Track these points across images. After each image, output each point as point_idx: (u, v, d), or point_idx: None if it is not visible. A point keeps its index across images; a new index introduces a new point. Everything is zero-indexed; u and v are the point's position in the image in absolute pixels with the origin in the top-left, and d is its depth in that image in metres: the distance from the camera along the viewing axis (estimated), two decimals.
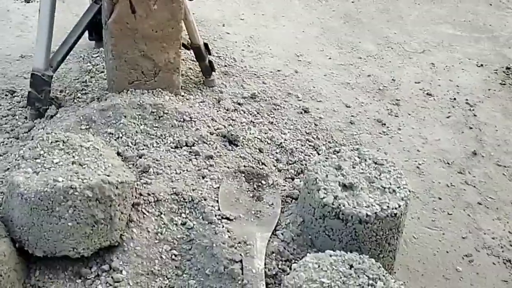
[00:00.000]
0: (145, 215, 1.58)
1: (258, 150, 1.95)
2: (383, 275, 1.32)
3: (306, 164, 1.90)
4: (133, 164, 1.75)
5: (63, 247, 1.39)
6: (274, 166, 1.91)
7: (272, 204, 1.70)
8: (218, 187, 1.72)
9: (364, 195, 1.51)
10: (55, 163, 1.46)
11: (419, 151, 2.18)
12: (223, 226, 1.56)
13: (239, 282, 1.41)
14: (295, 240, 1.56)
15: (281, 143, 2.01)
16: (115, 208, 1.45)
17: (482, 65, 2.80)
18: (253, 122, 2.11)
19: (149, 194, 1.63)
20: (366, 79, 2.60)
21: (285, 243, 1.56)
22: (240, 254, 1.47)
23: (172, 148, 1.85)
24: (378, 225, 1.48)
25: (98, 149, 1.56)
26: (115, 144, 1.81)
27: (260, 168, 1.85)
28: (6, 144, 1.88)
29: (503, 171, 2.12)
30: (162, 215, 1.59)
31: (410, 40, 2.97)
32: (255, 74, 2.49)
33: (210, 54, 2.32)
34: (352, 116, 2.32)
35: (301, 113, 2.25)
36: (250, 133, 2.02)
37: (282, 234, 1.59)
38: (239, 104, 2.21)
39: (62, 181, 1.38)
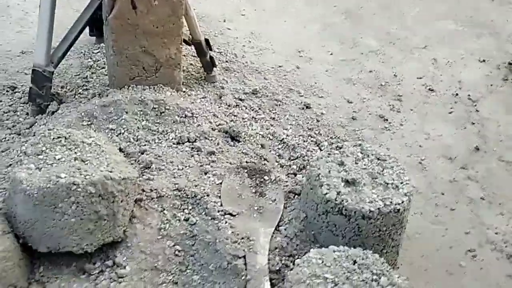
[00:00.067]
0: (148, 211, 1.58)
1: (260, 146, 1.95)
2: (387, 271, 1.32)
3: (308, 160, 1.90)
4: (135, 160, 1.75)
5: (66, 243, 1.39)
6: (276, 161, 1.90)
7: (275, 200, 1.70)
8: (221, 183, 1.72)
9: (367, 191, 1.51)
10: (57, 159, 1.46)
11: (422, 146, 2.17)
12: (226, 222, 1.55)
13: (243, 277, 1.41)
14: (298, 236, 1.56)
15: (283, 139, 2.01)
16: (118, 204, 1.45)
17: (484, 60, 2.78)
18: (255, 118, 2.11)
19: (151, 190, 1.63)
20: (368, 74, 2.59)
21: (288, 239, 1.56)
22: (244, 250, 1.47)
23: (174, 144, 1.85)
24: (381, 220, 1.47)
25: (100, 145, 1.55)
26: (117, 140, 1.81)
27: (263, 164, 1.85)
28: (8, 140, 1.88)
29: (506, 166, 2.11)
30: (165, 211, 1.59)
31: (412, 36, 2.96)
32: (256, 70, 2.48)
33: (211, 49, 2.31)
34: (354, 111, 2.31)
35: (303, 108, 2.25)
36: (252, 129, 2.02)
37: (285, 229, 1.59)
38: (240, 100, 2.20)
39: (65, 177, 1.37)
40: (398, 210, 1.48)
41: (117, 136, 1.82)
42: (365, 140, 2.13)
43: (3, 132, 1.91)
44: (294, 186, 1.76)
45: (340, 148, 1.66)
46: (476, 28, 3.09)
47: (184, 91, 2.13)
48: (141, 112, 1.90)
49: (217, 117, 2.03)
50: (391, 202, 1.48)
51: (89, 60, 2.32)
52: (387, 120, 2.29)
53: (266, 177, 1.78)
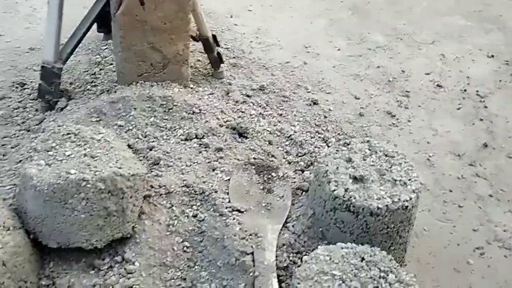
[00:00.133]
0: (156, 207, 1.59)
1: (267, 142, 1.95)
2: (395, 268, 1.32)
3: (315, 156, 1.90)
4: (143, 157, 1.76)
5: (76, 239, 1.41)
6: (284, 158, 1.91)
7: (283, 196, 1.70)
8: (229, 180, 1.73)
9: (375, 188, 1.51)
10: (67, 155, 1.47)
11: (429, 143, 2.17)
12: (234, 218, 1.56)
13: (251, 274, 1.41)
14: (305, 233, 1.57)
15: (290, 135, 2.01)
16: (127, 200, 1.46)
17: (492, 56, 2.77)
18: (262, 114, 2.11)
19: (160, 186, 1.64)
20: (376, 70, 2.59)
21: (296, 235, 1.56)
22: (251, 246, 1.47)
23: (182, 140, 1.86)
24: (389, 217, 1.47)
25: (109, 141, 1.56)
26: (125, 136, 1.82)
27: (270, 161, 1.85)
28: (18, 136, 1.89)
29: None
30: (174, 207, 1.60)
31: (420, 31, 2.95)
32: (263, 66, 2.48)
33: (218, 45, 2.31)
34: (361, 108, 2.31)
35: (310, 105, 2.25)
36: (260, 125, 2.02)
37: (293, 226, 1.59)
38: (248, 96, 2.20)
39: (75, 173, 1.38)
40: (406, 207, 1.48)
41: (125, 132, 1.83)
42: (373, 136, 2.13)
43: (13, 129, 1.93)
44: (301, 183, 1.77)
45: (348, 144, 1.66)
46: (485, 23, 3.07)
47: (191, 87, 2.13)
48: (149, 109, 1.91)
49: (225, 113, 2.04)
50: (399, 199, 1.48)
51: (97, 56, 2.33)
52: (394, 116, 2.28)
53: (273, 174, 1.79)
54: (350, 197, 1.47)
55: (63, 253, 1.44)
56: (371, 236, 1.49)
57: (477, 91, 2.49)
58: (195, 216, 1.59)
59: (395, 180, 1.54)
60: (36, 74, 2.10)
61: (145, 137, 1.83)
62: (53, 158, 1.45)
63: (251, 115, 2.08)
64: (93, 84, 2.14)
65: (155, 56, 2.01)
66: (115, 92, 1.98)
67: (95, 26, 2.24)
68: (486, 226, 1.82)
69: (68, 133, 1.55)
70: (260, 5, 3.08)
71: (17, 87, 2.15)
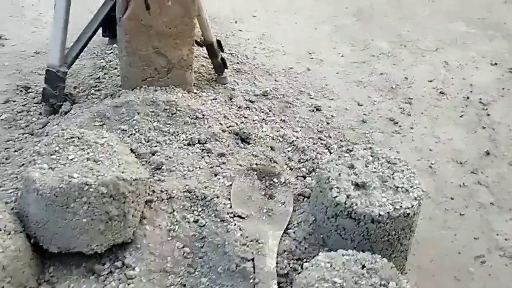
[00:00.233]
0: (158, 212, 1.59)
1: (270, 148, 1.95)
2: (395, 275, 1.32)
3: (318, 163, 1.90)
4: (146, 161, 1.76)
5: (77, 243, 1.41)
6: (286, 164, 1.91)
7: (284, 202, 1.70)
8: (230, 185, 1.73)
9: (376, 195, 1.51)
10: (70, 159, 1.48)
11: (432, 150, 2.16)
12: (235, 224, 1.56)
13: (251, 280, 1.41)
14: (307, 239, 1.57)
15: (293, 141, 2.01)
16: (129, 205, 1.46)
17: (496, 63, 2.77)
18: (265, 120, 2.11)
19: (162, 191, 1.64)
20: (379, 77, 2.59)
21: (296, 242, 1.56)
22: (252, 253, 1.47)
23: (184, 145, 1.86)
24: (390, 225, 1.47)
25: (112, 145, 1.57)
26: (128, 140, 1.82)
27: (272, 166, 1.85)
28: (21, 140, 1.90)
29: None
30: (175, 212, 1.60)
31: (424, 38, 2.95)
32: (267, 72, 2.49)
33: (222, 51, 2.32)
34: (364, 114, 2.31)
35: (313, 111, 2.25)
36: (262, 131, 2.02)
37: (294, 232, 1.59)
38: (251, 101, 2.21)
39: (77, 177, 1.39)
40: (408, 214, 1.48)
41: (128, 137, 1.84)
42: (375, 143, 2.13)
43: (16, 132, 1.94)
44: (303, 189, 1.77)
45: (350, 151, 1.66)
46: (488, 30, 3.07)
47: (195, 93, 2.14)
48: (153, 113, 1.92)
49: (228, 118, 2.04)
50: (401, 206, 1.48)
51: (102, 60, 2.34)
52: (397, 123, 2.28)
53: (275, 180, 1.79)
54: (352, 203, 1.47)
55: (63, 257, 1.45)
56: (372, 243, 1.49)
57: (480, 98, 2.49)
58: (196, 221, 1.60)
59: (397, 187, 1.54)
60: (41, 78, 2.12)
61: (148, 141, 1.84)
62: (56, 162, 1.46)
63: (253, 120, 2.09)
64: (97, 88, 2.15)
65: (159, 61, 2.02)
66: (119, 96, 1.99)
67: (100, 30, 2.25)
68: (487, 234, 1.81)
69: (72, 137, 1.56)
70: (265, 11, 3.09)
71: (21, 91, 2.16)
